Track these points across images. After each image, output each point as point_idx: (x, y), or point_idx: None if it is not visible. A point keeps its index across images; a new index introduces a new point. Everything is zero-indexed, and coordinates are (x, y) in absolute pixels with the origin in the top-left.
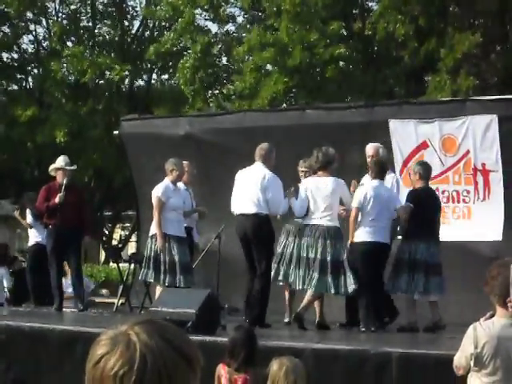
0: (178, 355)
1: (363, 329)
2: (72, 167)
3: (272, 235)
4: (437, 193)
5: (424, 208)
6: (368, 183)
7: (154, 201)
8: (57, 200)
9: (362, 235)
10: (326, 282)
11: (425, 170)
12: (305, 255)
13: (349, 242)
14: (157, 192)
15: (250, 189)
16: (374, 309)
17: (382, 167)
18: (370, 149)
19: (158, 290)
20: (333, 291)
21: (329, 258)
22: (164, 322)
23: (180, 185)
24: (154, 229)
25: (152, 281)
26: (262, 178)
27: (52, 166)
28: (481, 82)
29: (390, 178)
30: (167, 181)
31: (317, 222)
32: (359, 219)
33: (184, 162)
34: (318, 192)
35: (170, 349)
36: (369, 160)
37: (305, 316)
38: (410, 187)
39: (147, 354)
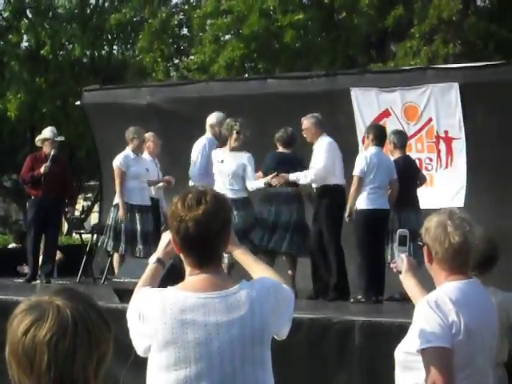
0: (101, 319)
1: (363, 299)
2: (60, 138)
3: None
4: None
5: (406, 177)
6: (369, 150)
7: (115, 170)
8: (42, 170)
9: (365, 202)
10: None
11: (399, 138)
12: None
13: (347, 212)
14: (116, 162)
15: None
16: (376, 278)
17: (382, 133)
18: None
19: (116, 259)
20: None
21: None
22: (79, 290)
23: (146, 156)
24: (117, 198)
25: (111, 250)
26: None
27: (39, 137)
28: (459, 47)
29: None
30: (128, 150)
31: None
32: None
33: (150, 133)
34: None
35: (95, 314)
36: None
37: None
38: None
39: (77, 319)
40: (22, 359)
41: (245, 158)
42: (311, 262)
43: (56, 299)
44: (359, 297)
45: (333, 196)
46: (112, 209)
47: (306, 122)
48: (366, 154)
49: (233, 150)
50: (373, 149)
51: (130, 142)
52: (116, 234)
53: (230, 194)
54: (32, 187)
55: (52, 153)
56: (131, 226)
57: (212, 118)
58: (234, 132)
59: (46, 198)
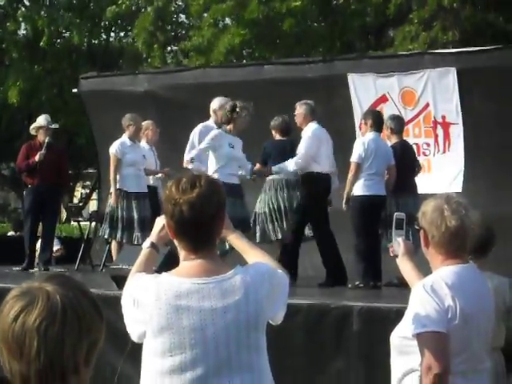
0: (92, 306)
1: (361, 285)
2: (54, 125)
3: None
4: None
5: (403, 163)
6: (367, 136)
7: (111, 157)
8: (37, 158)
9: (362, 188)
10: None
11: (397, 123)
12: None
13: (344, 198)
14: (112, 149)
15: None
16: (373, 264)
17: (380, 119)
18: None
19: (114, 247)
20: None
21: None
22: (70, 276)
23: (144, 144)
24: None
25: (107, 237)
26: None
27: (33, 125)
28: (458, 35)
29: None
30: (124, 137)
31: None
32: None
33: (148, 121)
34: None
35: (86, 300)
36: None
37: None
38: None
39: (67, 305)
40: (12, 345)
41: (241, 144)
42: (292, 247)
43: (46, 285)
44: (357, 282)
45: (316, 184)
46: (109, 196)
47: (298, 108)
48: (363, 139)
49: (235, 134)
50: (371, 134)
51: (127, 128)
52: (113, 221)
53: (237, 181)
54: (28, 176)
55: (46, 140)
56: (128, 213)
57: (215, 103)
58: (244, 114)
59: (42, 186)
